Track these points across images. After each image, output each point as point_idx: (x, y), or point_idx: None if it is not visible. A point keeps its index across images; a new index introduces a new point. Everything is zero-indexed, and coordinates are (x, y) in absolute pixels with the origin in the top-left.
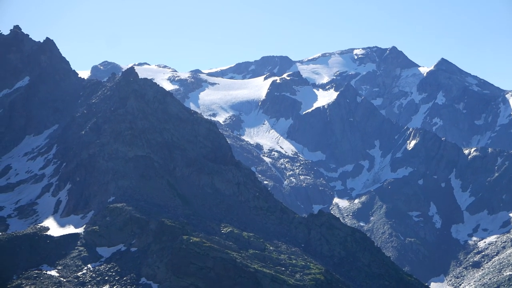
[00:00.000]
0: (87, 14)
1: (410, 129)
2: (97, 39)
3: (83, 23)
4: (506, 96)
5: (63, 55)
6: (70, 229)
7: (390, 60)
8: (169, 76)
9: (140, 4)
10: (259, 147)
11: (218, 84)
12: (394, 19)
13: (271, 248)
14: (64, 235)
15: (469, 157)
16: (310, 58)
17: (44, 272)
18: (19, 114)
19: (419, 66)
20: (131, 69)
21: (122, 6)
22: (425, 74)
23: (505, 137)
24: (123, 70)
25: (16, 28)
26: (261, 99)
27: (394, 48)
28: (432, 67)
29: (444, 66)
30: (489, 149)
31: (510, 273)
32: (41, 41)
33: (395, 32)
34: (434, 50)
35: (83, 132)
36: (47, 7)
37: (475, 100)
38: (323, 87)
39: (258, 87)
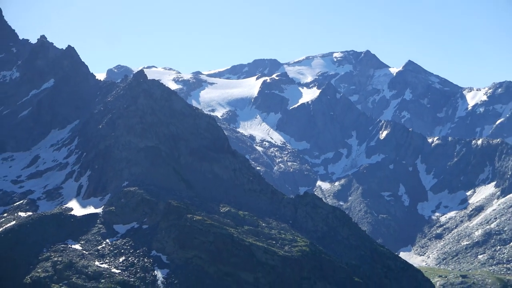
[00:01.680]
0: (104, 25)
1: (382, 121)
2: (113, 46)
3: (100, 32)
4: (464, 92)
5: (82, 60)
6: (91, 210)
7: (365, 62)
8: (174, 77)
9: (150, 18)
10: (252, 138)
11: (216, 83)
12: (368, 26)
13: (263, 224)
14: (85, 214)
15: (432, 144)
16: (295, 60)
17: (69, 246)
18: (45, 111)
19: (390, 67)
20: (141, 72)
21: (136, 20)
22: (394, 74)
23: (463, 127)
24: (134, 72)
25: (42, 37)
26: (254, 97)
27: (368, 51)
28: (400, 68)
29: (411, 67)
30: (449, 138)
31: (467, 243)
32: (64, 48)
33: (369, 37)
34: (402, 53)
35: (100, 126)
36: (69, 19)
37: (437, 96)
38: (307, 85)
39: (251, 86)
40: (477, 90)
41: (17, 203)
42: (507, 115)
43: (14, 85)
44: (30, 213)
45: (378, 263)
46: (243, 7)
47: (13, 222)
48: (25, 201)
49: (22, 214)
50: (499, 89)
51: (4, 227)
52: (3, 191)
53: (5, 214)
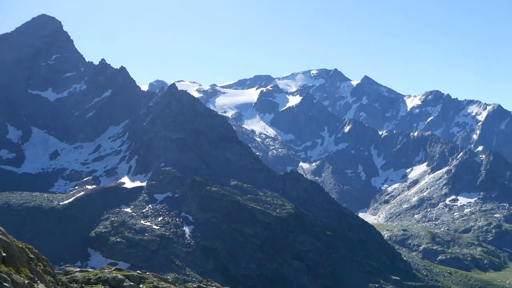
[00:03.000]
0: (148, 51)
1: (346, 119)
2: (153, 67)
3: (145, 56)
4: (404, 98)
5: (131, 76)
6: (137, 183)
7: (333, 77)
8: (197, 88)
9: (180, 48)
10: (253, 131)
11: (227, 93)
12: (336, 51)
13: (261, 193)
14: (134, 187)
15: (382, 136)
16: (284, 76)
17: (122, 209)
18: (105, 113)
19: (351, 80)
20: (173, 84)
21: (169, 49)
22: (355, 85)
23: (404, 124)
24: (168, 85)
25: (103, 60)
26: (254, 102)
27: (336, 69)
28: (359, 81)
29: (366, 80)
30: (394, 131)
31: (407, 206)
32: (118, 68)
33: (337, 59)
34: (360, 70)
35: (144, 124)
36: (122, 48)
37: (385, 101)
38: (292, 94)
39: (252, 95)
40: (414, 96)
41: (85, 179)
42: (435, 115)
43: (83, 94)
44: (94, 186)
45: (343, 220)
46: (247, 39)
47: (82, 193)
48: (90, 177)
49: (88, 187)
50: (430, 96)
51: (75, 196)
52: (75, 170)
53: (76, 187)
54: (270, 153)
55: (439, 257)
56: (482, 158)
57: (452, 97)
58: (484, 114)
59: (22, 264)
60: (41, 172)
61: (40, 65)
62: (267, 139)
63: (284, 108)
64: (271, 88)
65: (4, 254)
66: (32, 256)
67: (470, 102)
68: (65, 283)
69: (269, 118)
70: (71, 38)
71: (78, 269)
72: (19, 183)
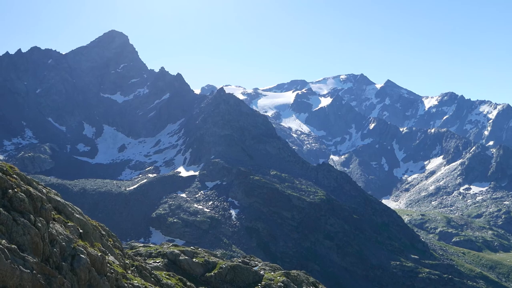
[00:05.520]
0: (200, 59)
1: (371, 118)
2: (205, 73)
3: (198, 64)
4: (422, 99)
5: (186, 81)
6: (191, 173)
7: (360, 81)
8: (242, 91)
9: (226, 57)
10: (290, 128)
11: (267, 95)
12: (363, 57)
13: (297, 182)
14: (188, 175)
15: (403, 132)
16: (316, 80)
17: (179, 194)
18: (164, 113)
19: (375, 84)
20: (222, 88)
21: (218, 58)
22: (379, 88)
23: (422, 122)
24: (217, 88)
25: (162, 68)
26: (291, 103)
27: (362, 74)
28: (382, 84)
29: (389, 83)
30: (413, 128)
31: (425, 194)
32: (175, 74)
33: (363, 64)
34: (384, 74)
35: (197, 122)
36: (179, 58)
37: (406, 102)
38: (324, 96)
39: (289, 97)
40: (431, 97)
41: (147, 169)
42: (450, 114)
43: (145, 97)
44: (155, 175)
45: (368, 206)
46: (284, 50)
47: (145, 180)
48: (152, 167)
49: (150, 175)
50: (445, 97)
51: (139, 183)
52: (139, 161)
53: (140, 175)
54: (304, 147)
55: (453, 239)
56: (492, 152)
57: (466, 98)
58: (495, 112)
59: (95, 239)
60: (111, 162)
61: (110, 73)
62: (302, 135)
63: (317, 108)
64: (305, 91)
65: (81, 231)
66: (104, 233)
67: (482, 102)
68: (131, 256)
69: (303, 117)
70: (136, 49)
71: (142, 245)
72: (93, 171)
